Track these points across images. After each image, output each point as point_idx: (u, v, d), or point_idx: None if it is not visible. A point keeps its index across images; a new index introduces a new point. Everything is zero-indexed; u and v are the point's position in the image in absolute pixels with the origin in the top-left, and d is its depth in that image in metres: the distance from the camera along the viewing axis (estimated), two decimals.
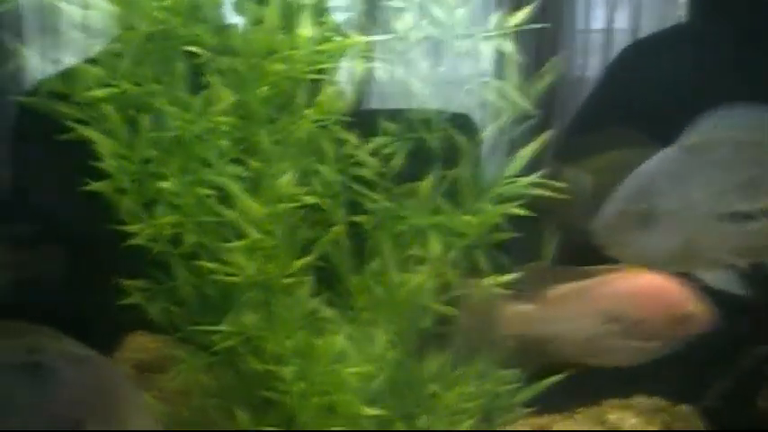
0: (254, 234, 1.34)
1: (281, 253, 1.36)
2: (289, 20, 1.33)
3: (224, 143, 1.35)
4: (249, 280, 1.36)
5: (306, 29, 1.31)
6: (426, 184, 1.45)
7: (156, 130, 1.35)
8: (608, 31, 1.99)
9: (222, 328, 1.39)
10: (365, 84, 1.42)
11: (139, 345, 1.63)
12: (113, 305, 1.48)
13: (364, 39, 1.34)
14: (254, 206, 1.32)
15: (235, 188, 1.34)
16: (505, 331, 1.43)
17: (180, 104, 1.34)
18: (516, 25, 1.41)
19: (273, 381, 1.44)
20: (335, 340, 1.41)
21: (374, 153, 1.48)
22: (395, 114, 1.47)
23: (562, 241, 1.47)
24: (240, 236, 1.38)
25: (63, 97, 1.36)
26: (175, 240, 1.44)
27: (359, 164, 1.48)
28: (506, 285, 1.43)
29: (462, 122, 1.52)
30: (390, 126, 1.47)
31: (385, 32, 1.38)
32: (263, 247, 1.34)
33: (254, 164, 1.36)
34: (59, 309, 1.49)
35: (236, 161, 1.39)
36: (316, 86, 1.36)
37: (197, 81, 1.37)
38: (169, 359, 1.54)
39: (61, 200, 1.57)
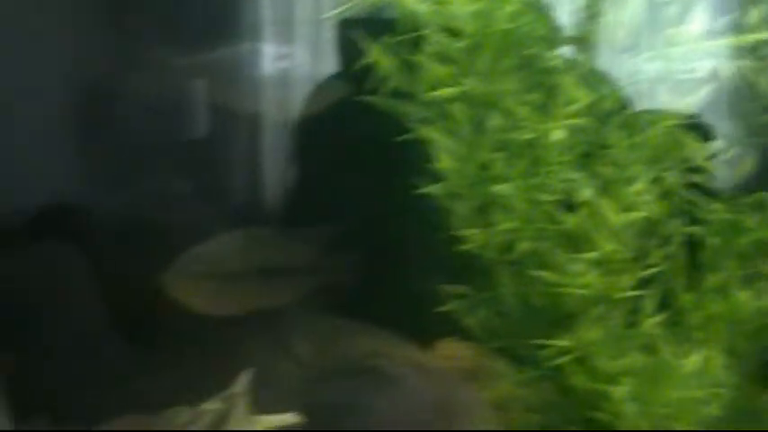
0: (607, 245, 1.27)
1: (629, 266, 1.30)
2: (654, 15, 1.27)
3: (573, 146, 1.29)
4: (594, 293, 1.30)
5: (691, 24, 1.24)
6: None
7: (503, 131, 1.30)
8: None
9: (559, 342, 1.33)
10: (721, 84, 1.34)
11: (451, 352, 1.58)
12: (429, 311, 1.45)
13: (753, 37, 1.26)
14: (611, 214, 1.25)
15: (585, 194, 1.28)
16: None
17: (530, 105, 1.28)
18: None
19: (601, 400, 1.38)
20: (674, 361, 1.33)
21: (711, 158, 1.40)
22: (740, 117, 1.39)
23: None
24: (582, 245, 1.33)
25: (406, 96, 1.33)
26: (504, 248, 1.40)
27: (694, 170, 1.40)
28: None
29: None
30: (732, 129, 1.39)
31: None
32: (614, 259, 1.28)
33: (604, 169, 1.29)
34: (373, 310, 1.46)
35: (582, 165, 1.33)
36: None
37: (543, 80, 1.32)
38: (483, 369, 1.49)
39: (391, 201, 1.54)
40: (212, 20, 1.81)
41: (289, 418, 1.33)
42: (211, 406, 1.53)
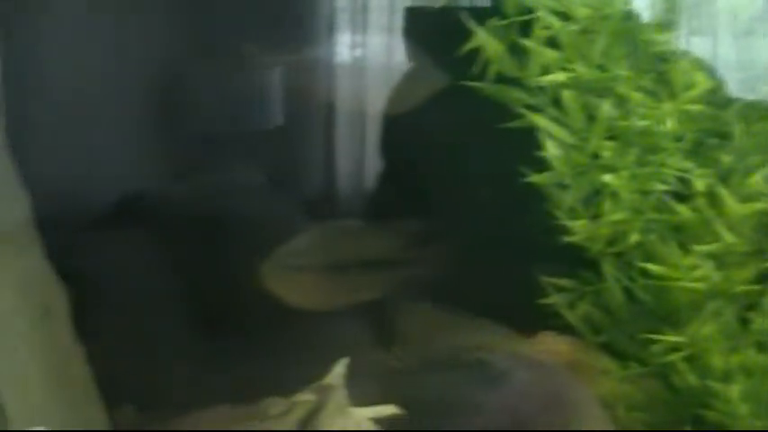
0: (727, 236, 1.22)
1: (747, 259, 1.25)
2: None
3: (687, 134, 1.24)
4: (709, 288, 1.25)
5: None
6: None
7: (614, 118, 1.25)
8: None
9: (670, 338, 1.29)
10: None
11: (550, 346, 1.54)
12: (528, 303, 1.41)
13: None
14: (734, 205, 1.20)
15: (701, 184, 1.23)
16: None
17: (645, 91, 1.24)
18: None
19: (712, 399, 1.33)
20: None
21: None
22: None
23: None
24: (695, 238, 1.28)
25: (513, 81, 1.29)
26: (611, 240, 1.36)
27: None
28: None
29: None
30: None
31: None
32: (732, 251, 1.23)
33: (725, 158, 1.24)
34: (470, 302, 1.43)
35: (695, 154, 1.29)
36: None
37: (657, 66, 1.27)
38: (583, 365, 1.45)
39: (494, 190, 1.51)
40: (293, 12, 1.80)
41: (385, 410, 1.30)
42: (305, 397, 1.51)
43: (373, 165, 1.81)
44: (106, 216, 1.69)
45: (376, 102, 1.76)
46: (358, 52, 1.82)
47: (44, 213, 1.43)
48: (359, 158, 1.84)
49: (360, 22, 1.81)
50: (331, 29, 1.82)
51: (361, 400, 1.27)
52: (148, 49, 1.70)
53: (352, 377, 1.29)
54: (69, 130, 1.65)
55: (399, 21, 1.74)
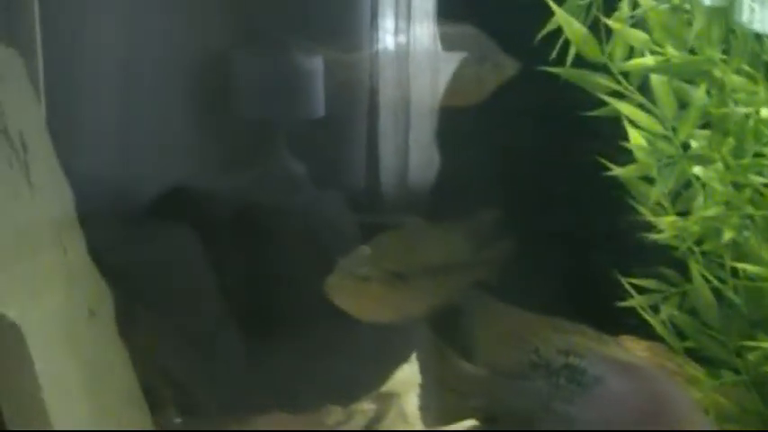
0: None
1: None
2: None
3: None
4: None
5: None
6: None
7: (709, 105, 1.16)
8: None
9: (765, 344, 1.19)
10: None
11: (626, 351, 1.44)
12: (607, 305, 1.32)
13: None
14: None
15: None
16: None
17: (743, 75, 1.14)
18: None
19: None
20: None
21: None
22: None
23: None
24: None
25: (596, 66, 1.20)
26: (701, 237, 1.26)
27: None
28: None
29: None
30: None
31: None
32: None
33: None
34: (545, 303, 1.34)
35: None
36: None
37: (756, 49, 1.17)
38: (667, 372, 1.35)
39: (574, 184, 1.42)
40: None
41: (464, 426, 1.21)
42: (365, 406, 1.44)
43: (418, 157, 1.74)
44: (148, 210, 1.63)
45: (428, 92, 1.68)
46: (404, 40, 1.74)
47: (85, 208, 1.38)
48: (407, 152, 1.77)
49: (404, 8, 1.73)
50: (376, 16, 1.74)
51: (438, 414, 1.18)
52: (191, 39, 1.64)
53: (425, 389, 1.21)
54: (111, 121, 1.61)
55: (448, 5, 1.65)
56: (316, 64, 1.69)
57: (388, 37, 1.72)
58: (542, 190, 1.47)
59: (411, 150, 1.70)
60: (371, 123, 1.74)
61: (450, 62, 1.58)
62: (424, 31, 1.65)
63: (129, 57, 1.59)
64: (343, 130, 1.77)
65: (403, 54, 1.69)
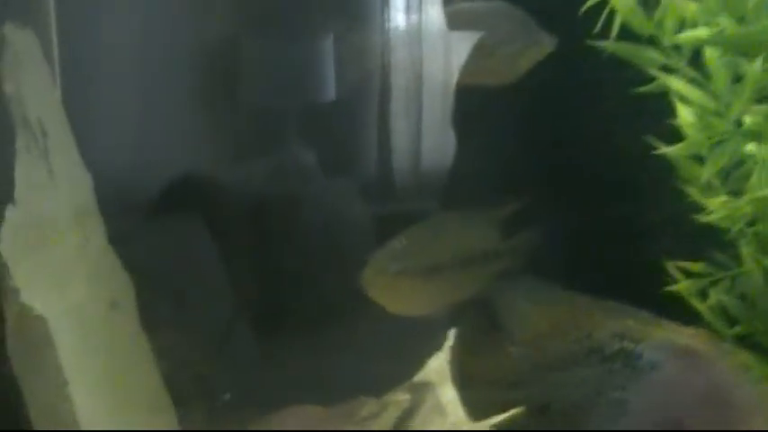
0: None
1: None
2: None
3: None
4: None
5: None
6: None
7: (764, 80, 1.10)
8: None
9: None
10: None
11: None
12: (653, 290, 1.27)
13: None
14: None
15: None
16: None
17: None
18: None
19: None
20: None
21: None
22: None
23: None
24: None
25: (644, 39, 1.15)
26: (754, 219, 1.21)
27: None
28: None
29: None
30: None
31: None
32: None
33: None
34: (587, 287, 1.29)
35: None
36: None
37: None
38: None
39: (621, 162, 1.36)
40: None
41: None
42: (398, 397, 1.39)
43: (444, 141, 1.69)
44: (158, 200, 1.58)
45: (455, 72, 1.63)
46: (430, 17, 1.68)
47: (103, 198, 1.34)
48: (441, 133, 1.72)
49: None
50: None
51: (484, 406, 1.12)
52: (202, 24, 1.59)
53: (469, 381, 1.16)
54: (121, 109, 1.57)
55: None
56: (329, 48, 1.66)
57: (412, 15, 1.68)
58: (582, 172, 1.42)
59: (441, 133, 1.65)
60: (405, 106, 1.71)
61: (483, 40, 1.53)
62: (453, 9, 1.61)
63: (142, 43, 1.56)
64: (362, 115, 1.73)
65: (430, 33, 1.65)
